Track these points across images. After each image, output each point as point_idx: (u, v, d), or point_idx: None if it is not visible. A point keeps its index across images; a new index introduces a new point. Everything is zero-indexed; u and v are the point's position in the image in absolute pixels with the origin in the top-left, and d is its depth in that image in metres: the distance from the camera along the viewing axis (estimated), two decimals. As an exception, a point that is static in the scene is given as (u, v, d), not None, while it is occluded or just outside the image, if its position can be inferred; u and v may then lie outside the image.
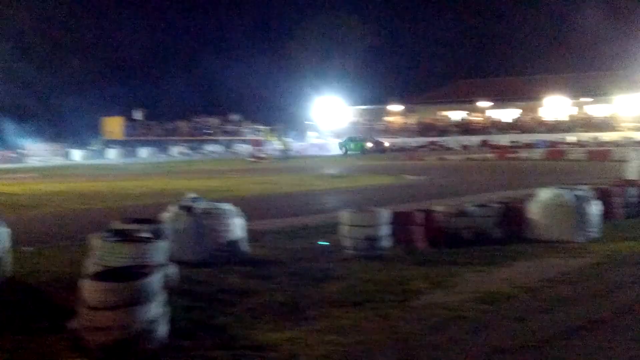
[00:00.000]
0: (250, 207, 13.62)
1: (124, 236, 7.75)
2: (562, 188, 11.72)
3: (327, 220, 13.22)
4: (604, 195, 13.12)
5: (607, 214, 12.57)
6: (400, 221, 10.42)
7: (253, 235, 11.11)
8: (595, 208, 11.61)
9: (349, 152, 62.31)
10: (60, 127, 63.86)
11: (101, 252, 7.32)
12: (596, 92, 70.67)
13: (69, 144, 63.80)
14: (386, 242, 10.05)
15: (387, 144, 65.00)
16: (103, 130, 70.22)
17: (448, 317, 6.70)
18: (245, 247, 9.90)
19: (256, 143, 71.60)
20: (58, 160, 57.28)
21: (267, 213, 15.31)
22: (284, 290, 7.84)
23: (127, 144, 67.18)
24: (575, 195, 11.49)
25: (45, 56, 71.73)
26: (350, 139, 65.80)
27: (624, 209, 14.00)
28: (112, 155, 62.46)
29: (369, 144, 63.76)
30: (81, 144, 65.30)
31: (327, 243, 8.40)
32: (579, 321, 6.50)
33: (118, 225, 9.12)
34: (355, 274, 8.71)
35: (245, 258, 9.67)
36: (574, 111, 72.90)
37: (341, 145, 65.22)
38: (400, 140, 72.62)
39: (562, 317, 6.67)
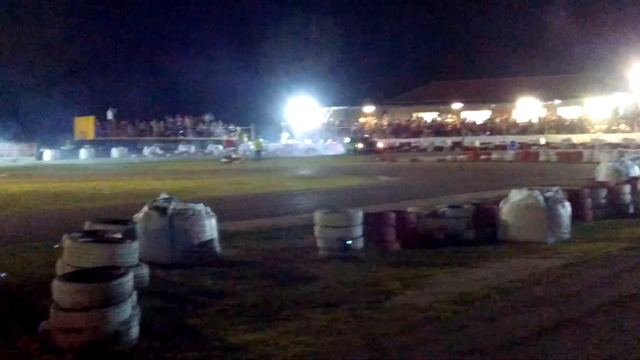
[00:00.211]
0: (223, 208, 13.59)
1: (95, 237, 7.71)
2: (533, 190, 11.81)
3: (300, 221, 13.23)
4: (574, 197, 13.24)
5: (577, 216, 12.70)
6: (373, 222, 10.44)
7: (226, 236, 11.09)
8: (565, 209, 11.71)
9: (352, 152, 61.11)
10: (31, 126, 63.22)
11: (72, 253, 7.27)
12: (567, 94, 71.45)
13: (40, 143, 63.19)
14: (359, 243, 10.07)
15: (380, 144, 63.83)
16: (75, 130, 69.60)
17: (420, 317, 6.72)
18: (217, 248, 9.86)
19: (229, 144, 71.55)
20: (29, 160, 56.71)
21: (240, 214, 15.28)
22: (256, 292, 7.83)
23: (99, 144, 66.66)
24: (546, 197, 11.58)
25: (14, 55, 70.92)
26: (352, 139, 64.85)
27: (594, 210, 14.14)
28: (84, 155, 61.93)
29: (359, 145, 62.32)
30: (52, 144, 64.72)
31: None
32: (550, 322, 6.55)
33: (89, 225, 9.08)
34: (328, 275, 8.71)
35: (218, 259, 9.63)
36: (546, 113, 73.56)
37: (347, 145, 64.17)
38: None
39: (534, 318, 6.71)
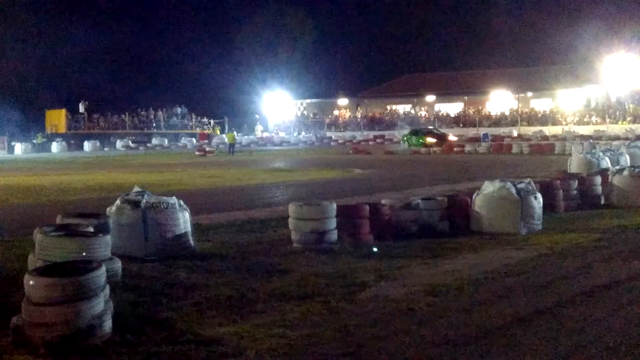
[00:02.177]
0: (197, 201, 13.57)
1: (67, 231, 7.64)
2: (505, 181, 11.89)
3: (274, 214, 13.22)
4: (546, 189, 13.36)
5: (549, 207, 12.81)
6: (347, 214, 10.46)
7: (199, 230, 11.06)
8: (538, 201, 11.82)
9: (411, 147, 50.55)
10: (1, 120, 62.44)
11: (44, 247, 7.20)
12: (539, 86, 72.01)
13: (10, 137, 62.48)
14: (333, 236, 10.08)
15: (452, 137, 53.35)
16: (46, 124, 68.87)
17: (394, 309, 6.75)
18: (191, 241, 9.81)
19: (203, 136, 71.25)
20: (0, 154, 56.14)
21: (214, 207, 15.22)
22: (230, 285, 7.81)
23: (71, 138, 66.03)
24: (519, 189, 11.67)
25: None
26: (413, 132, 54.87)
27: (566, 201, 14.28)
28: (56, 149, 61.33)
29: (430, 139, 51.18)
30: (23, 138, 64.02)
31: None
32: (522, 312, 6.60)
33: (61, 219, 9.01)
34: (303, 268, 8.72)
35: (192, 252, 9.59)
36: (518, 105, 74.07)
37: (404, 139, 54.07)
38: (348, 134, 73.00)
39: (507, 309, 6.76)
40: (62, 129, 67.65)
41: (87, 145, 63.44)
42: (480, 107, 76.08)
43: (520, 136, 57.92)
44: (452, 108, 77.77)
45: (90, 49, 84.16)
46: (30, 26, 72.41)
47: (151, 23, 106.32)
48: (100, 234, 7.61)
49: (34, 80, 72.34)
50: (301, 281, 7.98)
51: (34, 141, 63.88)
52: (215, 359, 5.40)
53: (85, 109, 70.14)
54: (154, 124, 75.13)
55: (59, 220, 9.03)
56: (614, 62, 67.36)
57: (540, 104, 73.56)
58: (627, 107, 67.08)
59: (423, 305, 6.88)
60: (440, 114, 76.53)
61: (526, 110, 73.19)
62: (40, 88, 71.88)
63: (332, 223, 10.09)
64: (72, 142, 64.38)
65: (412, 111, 79.49)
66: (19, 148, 59.64)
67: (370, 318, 6.46)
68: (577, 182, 14.92)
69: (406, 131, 57.35)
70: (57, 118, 68.28)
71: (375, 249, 8.96)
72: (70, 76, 74.63)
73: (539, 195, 11.97)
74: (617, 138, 46.16)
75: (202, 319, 6.46)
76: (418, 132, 54.52)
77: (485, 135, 56.47)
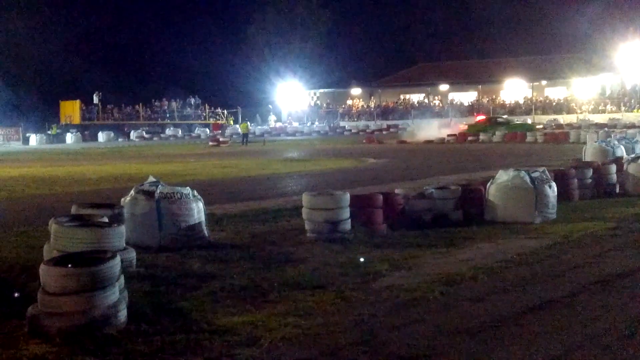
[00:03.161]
0: (211, 191, 13.62)
1: (82, 221, 7.69)
2: (519, 170, 11.85)
3: (288, 204, 13.24)
4: (560, 177, 13.31)
5: (564, 196, 12.76)
6: (361, 204, 10.46)
7: (213, 220, 11.11)
8: (552, 190, 11.77)
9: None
10: (16, 111, 62.76)
11: (59, 237, 7.25)
12: (554, 74, 71.54)
13: (25, 128, 62.80)
14: (347, 225, 10.07)
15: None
16: (60, 115, 69.13)
17: (408, 298, 6.75)
18: (205, 231, 9.85)
19: (216, 127, 71.32)
20: (14, 145, 56.42)
21: (227, 197, 15.27)
22: (244, 274, 7.83)
23: (86, 129, 66.28)
24: (533, 178, 11.63)
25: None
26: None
27: (581, 190, 14.22)
28: (70, 139, 61.58)
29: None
30: (38, 129, 64.32)
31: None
32: (536, 301, 6.60)
33: (76, 210, 9.06)
34: (316, 257, 8.73)
35: (206, 242, 9.63)
36: (532, 94, 73.68)
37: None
38: (361, 124, 72.89)
39: (521, 298, 6.76)
40: (77, 120, 67.87)
41: (101, 136, 63.69)
42: (494, 96, 75.72)
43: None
44: (466, 97, 77.44)
45: (105, 39, 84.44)
46: (45, 17, 72.56)
47: (165, 14, 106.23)
48: (115, 225, 7.65)
49: (49, 72, 72.50)
50: (315, 271, 7.99)
51: (49, 132, 64.16)
52: (229, 348, 5.42)
53: (99, 100, 70.33)
54: (168, 115, 75.23)
55: (73, 210, 9.08)
56: (629, 50, 66.86)
57: (554, 93, 73.10)
58: (642, 94, 66.62)
59: (437, 294, 6.88)
60: (454, 103, 76.19)
61: (541, 98, 72.79)
62: (54, 79, 72.06)
63: (346, 213, 10.08)
64: (86, 133, 64.62)
65: (426, 100, 79.23)
66: (33, 139, 59.91)
67: (384, 307, 6.47)
68: (591, 170, 14.85)
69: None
70: (72, 109, 68.49)
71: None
72: (84, 67, 74.68)
73: (554, 184, 11.93)
74: (633, 126, 45.88)
75: (216, 308, 6.49)
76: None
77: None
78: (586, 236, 10.10)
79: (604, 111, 65.23)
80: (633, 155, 16.80)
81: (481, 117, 56.26)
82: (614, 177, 15.22)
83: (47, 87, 71.84)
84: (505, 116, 59.18)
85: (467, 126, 51.49)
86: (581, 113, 64.80)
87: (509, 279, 7.56)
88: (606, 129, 42.09)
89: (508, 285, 7.25)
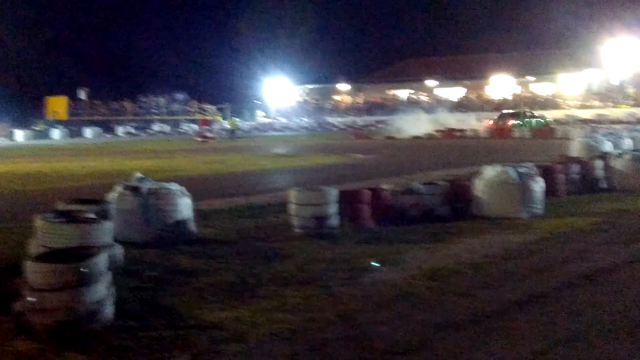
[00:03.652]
0: (198, 187, 13.55)
1: (68, 217, 7.65)
2: (506, 165, 11.89)
3: (275, 200, 13.22)
4: (547, 173, 13.35)
5: (550, 191, 12.80)
6: (348, 199, 10.46)
7: (201, 215, 11.06)
8: (538, 185, 11.81)
9: None
10: (1, 106, 62.28)
11: (45, 233, 7.21)
12: (540, 70, 71.87)
13: (11, 124, 62.39)
14: (334, 221, 10.08)
15: None
16: (47, 110, 68.76)
17: (395, 293, 6.77)
18: (192, 227, 9.84)
19: (204, 122, 71.14)
20: (0, 141, 56.08)
21: (215, 193, 15.23)
22: (232, 270, 7.83)
23: (72, 124, 65.94)
24: (519, 173, 11.67)
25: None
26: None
27: (567, 185, 14.28)
28: (57, 135, 61.25)
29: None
30: (24, 124, 63.93)
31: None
32: (522, 296, 6.63)
33: (62, 205, 9.01)
34: (303, 253, 8.73)
35: (193, 238, 9.61)
36: (519, 90, 73.92)
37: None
38: (349, 119, 72.92)
39: (507, 292, 6.79)
40: (63, 115, 67.52)
41: (88, 132, 63.39)
42: (481, 92, 75.93)
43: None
44: (454, 93, 77.60)
45: (92, 34, 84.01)
46: (30, 11, 72.01)
47: (153, 9, 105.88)
48: (102, 220, 7.62)
49: (34, 67, 72.00)
50: (302, 266, 8.00)
51: (35, 128, 63.79)
52: (216, 343, 5.41)
53: (86, 95, 70.00)
54: (155, 111, 74.97)
55: (60, 206, 9.03)
56: (615, 46, 67.19)
57: (541, 88, 73.43)
58: (628, 90, 66.96)
59: (423, 289, 6.90)
60: (438, 98, 76.31)
61: (527, 94, 73.03)
62: (40, 75, 71.59)
63: (333, 208, 10.08)
64: (73, 128, 64.29)
65: (414, 96, 79.33)
66: (20, 135, 59.52)
67: (371, 302, 6.48)
68: (578, 166, 14.93)
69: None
70: (58, 105, 68.15)
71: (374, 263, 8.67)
72: (70, 62, 74.29)
73: (540, 180, 11.97)
74: (619, 122, 46.10)
75: (203, 304, 6.48)
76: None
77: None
78: (572, 231, 10.15)
79: (590, 107, 65.53)
80: (619, 151, 16.89)
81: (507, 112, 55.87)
82: (601, 172, 15.30)
83: (28, 82, 71.28)
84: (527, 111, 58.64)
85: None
86: (568, 109, 65.07)
87: (495, 274, 7.59)
88: (592, 124, 42.25)
89: (494, 280, 7.28)
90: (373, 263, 8.17)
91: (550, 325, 5.74)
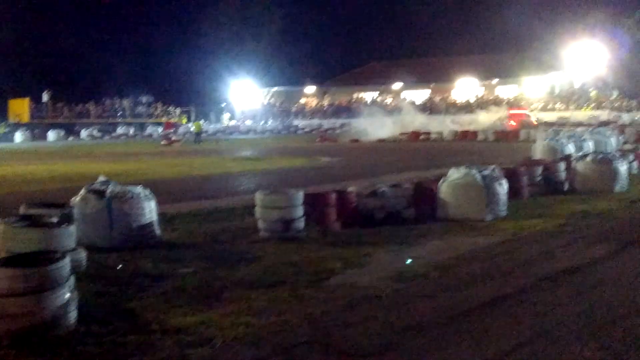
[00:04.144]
0: (163, 190, 13.48)
1: (30, 221, 7.56)
2: (470, 168, 11.97)
3: (241, 203, 13.18)
4: (511, 175, 13.45)
5: (514, 193, 12.92)
6: (314, 202, 10.47)
7: (166, 219, 11.01)
8: (502, 187, 11.91)
9: None
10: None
11: (7, 238, 7.12)
12: (505, 73, 72.58)
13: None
14: (300, 224, 10.08)
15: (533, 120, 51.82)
16: (9, 113, 67.84)
17: (361, 296, 6.78)
18: (157, 230, 9.78)
19: (168, 125, 70.71)
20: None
21: (180, 196, 15.16)
22: (197, 274, 7.79)
23: (35, 127, 65.14)
24: (484, 175, 11.76)
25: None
26: None
27: (530, 187, 14.41)
28: (19, 138, 60.47)
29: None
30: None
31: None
32: (487, 297, 6.68)
33: (25, 209, 8.91)
34: (269, 256, 8.72)
35: (158, 242, 9.56)
36: (484, 92, 74.57)
37: None
38: (315, 122, 72.97)
39: (472, 294, 6.83)
40: (26, 118, 66.71)
41: (51, 135, 62.66)
42: (446, 95, 76.46)
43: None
44: (419, 95, 78.04)
45: (54, 35, 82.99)
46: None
47: (117, 9, 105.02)
48: (65, 224, 7.54)
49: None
50: (268, 269, 7.98)
51: (-4, 130, 62.93)
52: (181, 348, 5.38)
53: (49, 97, 69.20)
54: (119, 113, 74.36)
55: (22, 210, 8.94)
56: (578, 49, 68.08)
57: (505, 91, 74.13)
58: (590, 93, 67.87)
59: (389, 291, 6.92)
60: (406, 101, 76.69)
61: (491, 97, 73.68)
62: (2, 78, 70.62)
63: (299, 211, 10.08)
64: (35, 131, 63.53)
65: (379, 99, 79.63)
66: (-19, 138, 58.71)
67: (337, 305, 6.48)
68: (541, 168, 15.07)
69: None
70: (21, 107, 67.31)
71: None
72: (33, 64, 73.43)
73: (504, 182, 12.07)
74: (581, 124, 46.66)
75: (168, 308, 6.44)
76: None
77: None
78: (535, 233, 10.25)
79: (553, 109, 66.31)
80: (581, 153, 17.09)
81: (515, 112, 56.20)
82: (563, 174, 15.45)
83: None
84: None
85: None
86: (531, 111, 65.76)
87: (460, 275, 7.64)
88: (555, 127, 42.67)
89: (459, 282, 7.32)
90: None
91: (515, 325, 5.79)
